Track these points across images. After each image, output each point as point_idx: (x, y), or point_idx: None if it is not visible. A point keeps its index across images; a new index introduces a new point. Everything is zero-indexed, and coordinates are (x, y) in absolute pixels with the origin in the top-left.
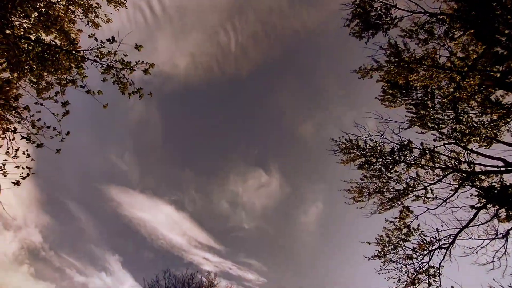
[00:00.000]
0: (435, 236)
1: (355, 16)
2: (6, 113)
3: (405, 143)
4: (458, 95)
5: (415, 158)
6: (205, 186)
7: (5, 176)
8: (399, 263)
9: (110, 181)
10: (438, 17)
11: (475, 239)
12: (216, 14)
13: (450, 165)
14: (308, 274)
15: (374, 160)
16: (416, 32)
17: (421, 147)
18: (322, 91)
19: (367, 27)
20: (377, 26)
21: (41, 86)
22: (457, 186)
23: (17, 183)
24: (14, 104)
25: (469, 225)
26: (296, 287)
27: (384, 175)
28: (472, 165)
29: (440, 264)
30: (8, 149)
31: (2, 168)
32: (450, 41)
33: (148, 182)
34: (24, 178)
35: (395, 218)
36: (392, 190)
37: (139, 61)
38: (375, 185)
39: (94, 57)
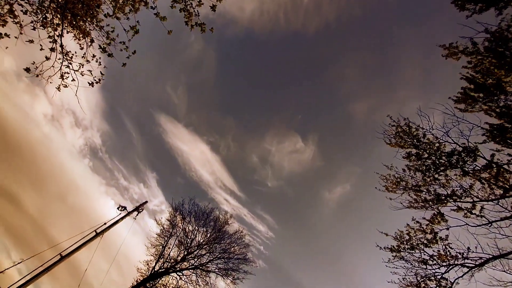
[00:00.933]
0: (463, 253)
1: None
2: (87, 21)
3: (471, 149)
4: None
5: (477, 168)
6: (242, 136)
7: (82, 75)
8: (411, 264)
9: (161, 109)
10: None
11: (509, 273)
12: None
13: None
14: (314, 247)
15: (426, 155)
16: None
17: (490, 159)
18: (390, 69)
19: None
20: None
21: (118, 4)
22: None
23: (91, 84)
24: (94, 13)
25: (508, 256)
26: (300, 251)
27: (430, 174)
28: None
29: (455, 280)
30: (84, 54)
31: (80, 68)
32: None
33: (192, 119)
34: (97, 82)
35: (424, 219)
36: (432, 192)
37: None
38: (416, 181)
39: None
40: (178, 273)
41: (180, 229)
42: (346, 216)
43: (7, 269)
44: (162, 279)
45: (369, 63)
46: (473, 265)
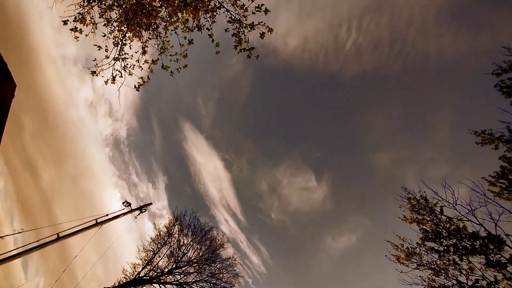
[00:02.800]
0: None
1: (506, 70)
2: (143, 29)
3: (496, 237)
4: None
5: (502, 260)
6: (257, 161)
7: (130, 75)
8: None
9: (188, 117)
10: None
11: None
12: (348, 6)
13: None
14: None
15: (446, 233)
16: None
17: None
18: (421, 127)
19: None
20: None
21: (173, 19)
22: None
23: (137, 88)
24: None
25: None
26: None
27: (450, 257)
28: None
29: None
30: (139, 60)
31: (131, 69)
32: None
33: (214, 133)
34: (142, 84)
35: None
36: (452, 278)
37: (261, 22)
38: (433, 260)
39: (229, 5)
40: (161, 285)
41: (175, 240)
42: (345, 270)
43: (6, 235)
44: (144, 287)
45: (400, 117)
46: None
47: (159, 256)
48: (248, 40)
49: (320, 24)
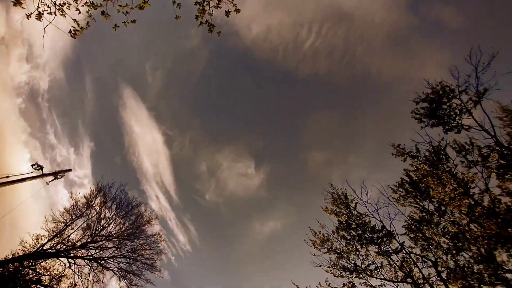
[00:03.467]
0: None
1: (427, 99)
2: None
3: (389, 231)
4: (466, 234)
5: (389, 250)
6: (201, 141)
7: (63, 15)
8: None
9: (131, 82)
10: (504, 150)
11: None
12: (313, 8)
13: (414, 279)
14: (229, 276)
15: (355, 225)
16: (469, 151)
17: (401, 246)
18: (353, 137)
19: (432, 116)
20: (441, 121)
21: None
22: None
23: (72, 34)
24: None
25: None
26: (212, 276)
27: (353, 244)
28: None
29: None
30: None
31: (67, 7)
32: (498, 178)
33: (159, 105)
34: (78, 31)
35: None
36: (352, 262)
37: None
38: (340, 246)
39: None
40: (70, 259)
41: (95, 213)
42: (269, 253)
43: None
44: (48, 261)
45: (338, 123)
46: None
47: (72, 229)
48: (212, 13)
49: (284, 18)
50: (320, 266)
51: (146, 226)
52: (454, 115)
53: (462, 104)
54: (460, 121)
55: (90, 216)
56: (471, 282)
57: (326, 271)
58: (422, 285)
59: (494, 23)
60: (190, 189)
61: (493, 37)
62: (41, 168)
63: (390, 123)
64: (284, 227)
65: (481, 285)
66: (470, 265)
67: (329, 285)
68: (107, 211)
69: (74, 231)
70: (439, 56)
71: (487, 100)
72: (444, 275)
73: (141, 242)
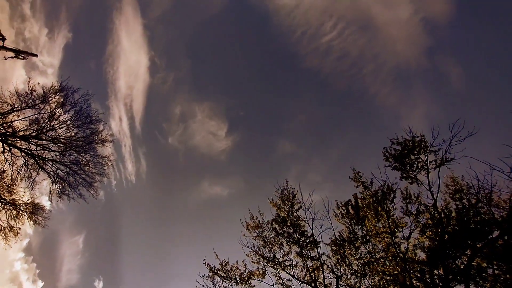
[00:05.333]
0: None
1: (402, 144)
2: None
3: (315, 240)
4: (375, 265)
5: (309, 255)
6: (184, 84)
7: None
8: None
9: None
10: (435, 213)
11: None
12: (348, 6)
13: None
14: (159, 222)
15: (289, 224)
16: (411, 201)
17: (318, 256)
18: (324, 142)
19: (398, 160)
20: (403, 168)
21: None
22: None
23: None
24: None
25: None
26: (144, 218)
27: (281, 239)
28: None
29: None
30: None
31: None
32: (419, 233)
33: (156, 27)
34: None
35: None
36: (272, 253)
37: None
38: (269, 236)
39: None
40: (5, 145)
41: (49, 110)
42: (204, 215)
43: None
44: None
45: (317, 123)
46: None
47: (18, 116)
48: None
49: (318, 2)
50: (245, 246)
51: (99, 145)
52: (415, 168)
53: (426, 162)
54: (417, 175)
55: (42, 112)
56: None
57: (247, 254)
58: None
59: (490, 102)
60: (155, 125)
61: (482, 115)
62: (3, 39)
63: (364, 146)
64: (229, 197)
65: None
66: None
67: (245, 265)
68: (62, 114)
69: (19, 120)
70: (431, 107)
71: (446, 166)
72: None
73: (87, 158)
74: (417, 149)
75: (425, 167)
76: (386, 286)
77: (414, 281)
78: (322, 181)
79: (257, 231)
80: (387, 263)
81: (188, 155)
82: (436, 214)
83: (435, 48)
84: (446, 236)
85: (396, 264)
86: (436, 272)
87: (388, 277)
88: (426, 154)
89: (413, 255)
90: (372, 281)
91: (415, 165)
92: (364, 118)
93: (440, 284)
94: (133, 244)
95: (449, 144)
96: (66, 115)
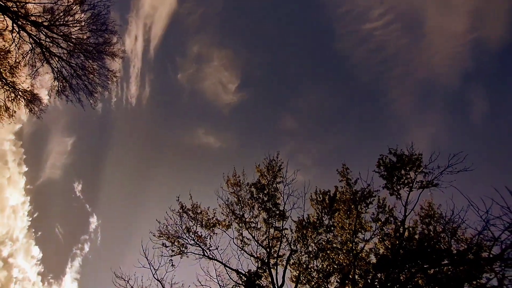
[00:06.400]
0: None
1: (399, 157)
2: None
3: (284, 214)
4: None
5: (274, 224)
6: (209, 25)
7: None
8: None
9: None
10: (399, 227)
11: None
12: None
13: None
14: (143, 155)
15: (267, 192)
16: (384, 211)
17: (282, 228)
18: (330, 128)
19: (388, 170)
20: (389, 178)
21: None
22: None
23: None
24: None
25: None
26: (135, 137)
27: (254, 203)
28: None
29: None
30: None
31: None
32: (379, 240)
33: None
34: None
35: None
36: (242, 212)
37: None
38: (244, 196)
39: None
40: (16, 25)
41: (66, 3)
42: (192, 160)
43: None
44: None
45: (328, 107)
46: None
47: None
48: None
49: None
50: (220, 197)
51: (108, 57)
52: (400, 182)
53: (413, 181)
54: (399, 189)
55: (58, 2)
56: (303, 275)
57: (219, 205)
58: (272, 256)
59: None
60: (169, 56)
61: (487, 156)
62: None
63: (362, 146)
64: (219, 151)
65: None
66: (312, 268)
67: (214, 214)
68: (79, 12)
69: (34, 3)
70: (441, 131)
71: (430, 190)
72: (291, 262)
73: (94, 67)
74: (410, 166)
75: (410, 184)
76: (331, 271)
77: (357, 277)
78: (311, 165)
79: (235, 188)
80: (340, 254)
81: (193, 97)
82: (401, 229)
83: (473, 74)
84: (401, 251)
85: (347, 257)
86: (379, 276)
87: (335, 266)
88: (416, 173)
89: (366, 256)
90: (321, 264)
91: (402, 179)
92: (373, 119)
93: (378, 286)
94: (116, 163)
95: (441, 172)
96: (83, 14)
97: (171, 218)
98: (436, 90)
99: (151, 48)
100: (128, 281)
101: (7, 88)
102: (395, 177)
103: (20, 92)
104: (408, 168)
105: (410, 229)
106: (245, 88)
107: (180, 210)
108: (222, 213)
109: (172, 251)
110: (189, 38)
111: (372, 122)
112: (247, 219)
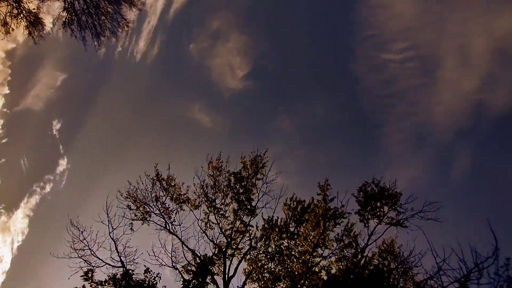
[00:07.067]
0: None
1: (380, 188)
2: None
3: (254, 210)
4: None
5: (242, 218)
6: (234, 7)
7: None
8: None
9: None
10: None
11: None
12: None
13: None
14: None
15: (244, 185)
16: (348, 236)
17: (248, 225)
18: (330, 138)
19: (365, 197)
20: (363, 205)
21: None
22: None
23: None
24: None
25: None
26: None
27: (228, 191)
28: None
29: None
30: None
31: None
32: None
33: None
34: None
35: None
36: (213, 196)
37: None
38: (221, 182)
39: None
40: None
41: None
42: (180, 133)
43: None
44: None
45: (322, 123)
46: None
47: None
48: None
49: (406, 19)
50: (197, 176)
51: (126, 4)
52: (373, 213)
53: (384, 215)
54: (369, 219)
55: None
56: (255, 273)
57: (194, 184)
58: (231, 246)
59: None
60: (187, 24)
61: (460, 210)
62: None
63: (346, 168)
64: (210, 130)
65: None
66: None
67: (187, 191)
68: None
69: None
70: (423, 176)
71: (397, 229)
72: (247, 257)
73: (108, 9)
74: (387, 201)
75: (381, 218)
76: (282, 275)
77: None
78: (293, 171)
79: (214, 172)
80: (295, 263)
81: (198, 71)
82: (359, 256)
83: (466, 132)
84: (352, 276)
85: (301, 268)
86: None
87: (288, 272)
88: (390, 209)
89: (318, 270)
90: (275, 266)
91: (375, 210)
92: (364, 146)
93: None
94: (102, 113)
95: (412, 215)
96: None
97: (143, 183)
98: (429, 137)
99: (172, 9)
100: (82, 232)
101: (11, 3)
102: (370, 207)
103: (24, 11)
104: (384, 202)
105: (368, 258)
106: (252, 78)
107: (155, 178)
108: (195, 192)
109: (135, 215)
110: (212, 11)
111: (362, 149)
112: (218, 205)
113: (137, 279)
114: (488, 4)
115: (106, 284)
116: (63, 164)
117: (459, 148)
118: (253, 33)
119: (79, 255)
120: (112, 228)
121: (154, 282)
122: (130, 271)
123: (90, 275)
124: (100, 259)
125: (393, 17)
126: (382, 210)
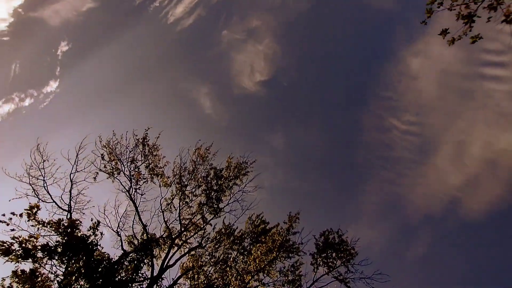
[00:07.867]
0: None
1: (341, 240)
2: None
3: (219, 209)
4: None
5: (204, 216)
6: (280, 15)
7: None
8: None
9: None
10: None
11: None
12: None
13: None
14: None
15: (220, 184)
16: (294, 272)
17: (207, 223)
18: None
19: (325, 244)
20: (323, 249)
21: None
22: None
23: None
24: None
25: None
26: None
27: (203, 187)
28: None
29: None
30: None
31: None
32: None
33: None
34: None
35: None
36: (187, 182)
37: None
38: (200, 176)
39: None
40: None
41: None
42: (181, 111)
43: None
44: None
45: (316, 161)
46: None
47: None
48: None
49: (427, 93)
50: (181, 156)
51: None
52: (325, 261)
53: (335, 267)
54: (320, 265)
55: None
56: (194, 271)
57: (174, 161)
58: (181, 237)
59: None
60: (229, 10)
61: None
62: None
63: (320, 207)
64: (208, 119)
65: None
66: (205, 271)
67: (165, 166)
68: None
69: None
70: (384, 242)
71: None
72: (192, 252)
73: None
74: (343, 255)
75: (331, 269)
76: (216, 285)
77: None
78: (271, 190)
79: (198, 160)
80: (234, 278)
81: (220, 58)
82: None
83: (434, 221)
84: None
85: (238, 285)
86: None
87: (224, 283)
88: (342, 264)
89: None
90: (215, 271)
91: (329, 259)
92: (343, 194)
93: None
94: (115, 56)
95: (360, 278)
96: None
97: (126, 140)
98: (401, 210)
99: None
100: (44, 161)
101: None
102: (325, 254)
103: None
104: (339, 255)
105: None
106: (267, 86)
107: (141, 140)
108: (172, 170)
109: (105, 167)
110: (257, 9)
111: (340, 194)
112: (187, 192)
113: (83, 234)
114: (498, 117)
115: (48, 226)
116: (52, 85)
117: (422, 233)
118: (286, 46)
119: (31, 182)
120: (76, 170)
121: (98, 243)
122: (77, 221)
123: (34, 211)
124: (49, 194)
125: (415, 90)
126: (335, 262)
